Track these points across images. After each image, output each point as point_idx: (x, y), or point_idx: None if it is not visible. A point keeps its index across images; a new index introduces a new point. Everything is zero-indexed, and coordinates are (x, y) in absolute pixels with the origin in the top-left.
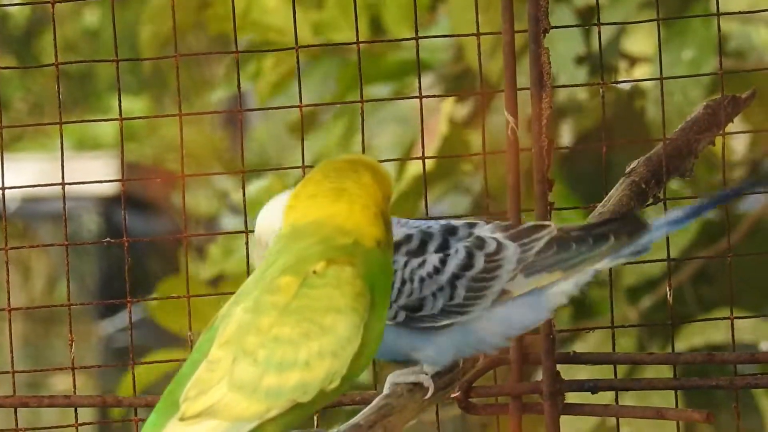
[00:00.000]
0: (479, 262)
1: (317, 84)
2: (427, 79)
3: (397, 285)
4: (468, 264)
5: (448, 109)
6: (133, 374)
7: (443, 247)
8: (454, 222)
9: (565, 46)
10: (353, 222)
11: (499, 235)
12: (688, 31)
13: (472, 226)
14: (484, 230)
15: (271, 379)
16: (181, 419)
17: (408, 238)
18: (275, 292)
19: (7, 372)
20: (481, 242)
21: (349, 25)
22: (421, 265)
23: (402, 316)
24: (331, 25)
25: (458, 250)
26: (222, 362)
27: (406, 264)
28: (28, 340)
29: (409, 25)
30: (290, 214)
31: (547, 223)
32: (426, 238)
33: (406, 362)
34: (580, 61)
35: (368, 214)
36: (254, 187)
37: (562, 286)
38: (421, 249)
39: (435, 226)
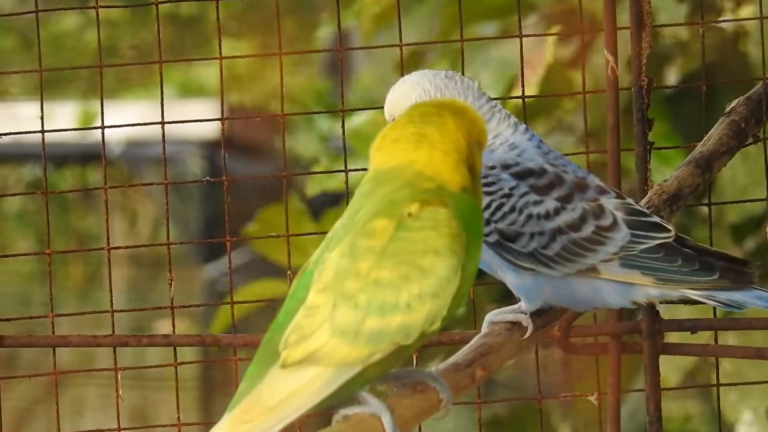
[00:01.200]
0: (587, 229)
1: (422, 20)
2: (531, 19)
3: (505, 208)
4: (576, 225)
5: (551, 46)
6: (233, 314)
7: (565, 200)
8: (591, 179)
9: None
10: (433, 169)
11: (620, 215)
12: None
13: (602, 192)
14: (610, 202)
15: (373, 322)
16: (283, 366)
17: (541, 172)
18: (370, 236)
19: (107, 311)
20: (599, 212)
21: None
22: (537, 203)
23: (494, 237)
24: None
25: (575, 209)
26: (321, 308)
27: (524, 194)
28: (133, 284)
29: None
30: (376, 157)
31: (669, 227)
32: (556, 181)
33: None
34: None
35: (449, 161)
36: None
37: (649, 290)
38: (546, 190)
39: (570, 173)
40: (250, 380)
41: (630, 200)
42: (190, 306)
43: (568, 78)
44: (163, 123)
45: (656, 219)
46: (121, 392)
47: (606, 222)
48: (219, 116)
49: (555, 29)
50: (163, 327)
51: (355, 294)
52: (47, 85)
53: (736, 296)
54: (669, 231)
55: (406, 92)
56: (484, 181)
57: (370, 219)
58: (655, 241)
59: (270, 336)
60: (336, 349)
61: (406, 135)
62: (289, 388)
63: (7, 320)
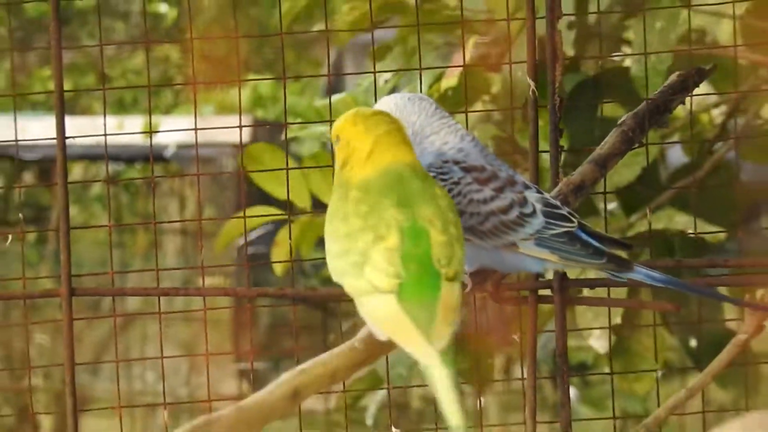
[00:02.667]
0: (513, 214)
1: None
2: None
3: (453, 191)
4: (505, 210)
5: (469, 48)
6: (249, 275)
7: (498, 190)
8: (518, 177)
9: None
10: (413, 158)
11: (538, 206)
12: (659, 9)
13: (527, 187)
14: (532, 195)
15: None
16: (447, 279)
17: (482, 169)
18: (440, 199)
19: (152, 269)
20: (523, 202)
21: None
22: (477, 191)
23: None
24: None
25: (506, 198)
26: (449, 242)
27: (468, 184)
28: (184, 251)
29: None
30: (356, 173)
31: (574, 218)
32: (492, 177)
33: None
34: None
35: (413, 149)
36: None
37: (556, 264)
38: (485, 182)
39: (504, 172)
40: (423, 293)
41: (547, 195)
42: (218, 266)
43: (485, 78)
44: (196, 129)
45: (565, 211)
46: (166, 329)
47: (527, 210)
48: (247, 129)
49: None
50: (207, 283)
51: (458, 236)
52: (122, 105)
53: (621, 274)
54: (573, 221)
55: (385, 107)
56: (440, 170)
57: (431, 188)
58: (562, 228)
59: (420, 262)
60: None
61: (380, 145)
62: (458, 294)
63: (80, 276)
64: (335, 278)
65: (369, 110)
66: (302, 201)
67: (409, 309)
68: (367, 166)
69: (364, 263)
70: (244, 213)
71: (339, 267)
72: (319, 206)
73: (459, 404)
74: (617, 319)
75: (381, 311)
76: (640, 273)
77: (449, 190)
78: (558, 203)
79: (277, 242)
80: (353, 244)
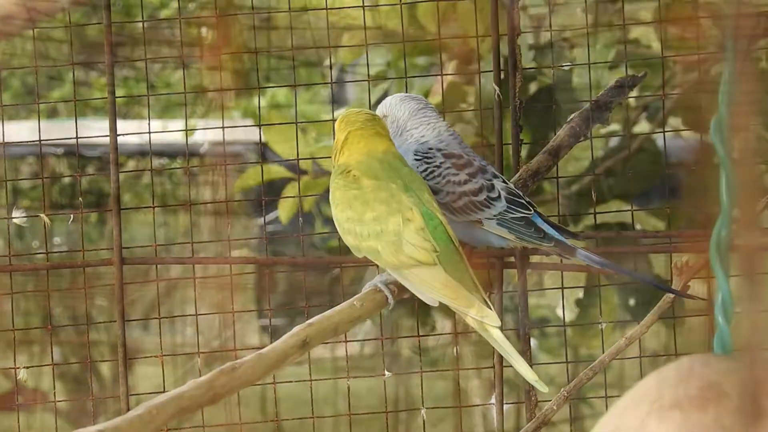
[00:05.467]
0: (482, 196)
1: (381, 54)
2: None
3: (435, 173)
4: (475, 192)
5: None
6: (266, 245)
7: (472, 176)
8: (489, 167)
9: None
10: (389, 145)
11: (503, 193)
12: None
13: (495, 176)
14: (499, 182)
15: None
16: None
17: (459, 156)
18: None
19: (188, 242)
20: (491, 187)
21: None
22: (454, 174)
23: None
24: (384, 15)
25: (477, 182)
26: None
27: (448, 167)
28: (217, 229)
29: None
30: (338, 158)
31: (532, 207)
32: (467, 164)
33: None
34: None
35: (388, 140)
36: None
37: (513, 242)
38: (461, 167)
39: (477, 161)
40: (455, 261)
41: (511, 185)
42: (239, 239)
43: (463, 90)
44: (223, 127)
45: (525, 200)
46: (202, 293)
47: (494, 194)
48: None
49: (453, 63)
50: (237, 254)
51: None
52: (166, 110)
53: (565, 257)
54: (530, 209)
55: (379, 108)
56: (425, 155)
57: (414, 173)
58: (520, 213)
59: (441, 236)
60: None
61: (364, 136)
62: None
63: (131, 248)
64: (370, 256)
65: (354, 111)
66: (306, 164)
67: (452, 275)
68: (344, 152)
69: (400, 242)
70: (262, 167)
71: (372, 247)
72: (319, 172)
73: (525, 361)
74: (580, 294)
75: (431, 281)
76: (581, 256)
77: (431, 172)
78: (520, 193)
79: (284, 193)
80: (384, 227)
